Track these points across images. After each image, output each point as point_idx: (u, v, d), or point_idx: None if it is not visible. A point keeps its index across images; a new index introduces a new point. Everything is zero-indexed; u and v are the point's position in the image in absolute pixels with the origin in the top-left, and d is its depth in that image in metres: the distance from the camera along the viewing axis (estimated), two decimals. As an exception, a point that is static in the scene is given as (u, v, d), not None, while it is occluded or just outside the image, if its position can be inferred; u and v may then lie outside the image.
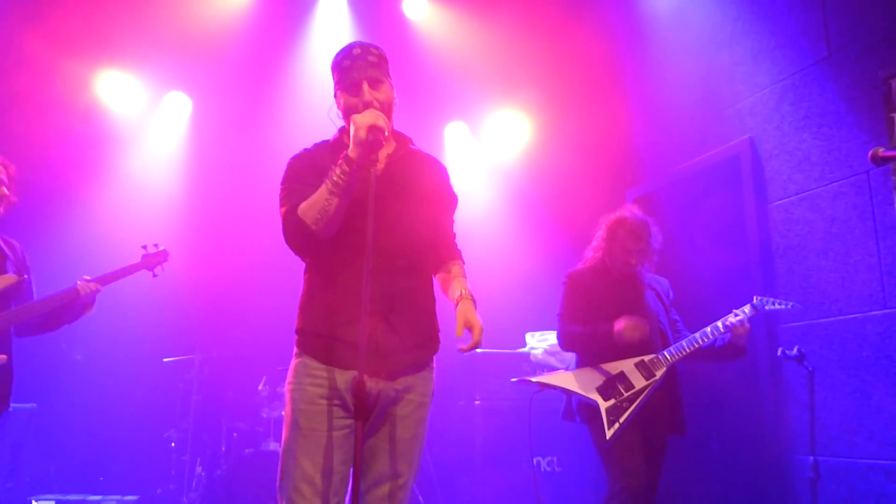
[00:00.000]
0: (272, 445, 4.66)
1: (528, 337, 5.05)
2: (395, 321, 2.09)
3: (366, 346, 1.87)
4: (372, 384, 2.04)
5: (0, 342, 2.83)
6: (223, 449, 4.87)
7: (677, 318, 3.49)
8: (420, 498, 5.05)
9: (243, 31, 5.62)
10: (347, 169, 2.00)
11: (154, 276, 3.43)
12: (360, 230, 1.97)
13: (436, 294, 2.31)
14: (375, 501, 2.05)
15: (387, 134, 2.06)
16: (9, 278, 2.88)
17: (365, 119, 2.02)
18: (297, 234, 2.04)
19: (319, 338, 2.08)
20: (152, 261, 3.41)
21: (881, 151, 1.97)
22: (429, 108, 6.13)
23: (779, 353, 3.75)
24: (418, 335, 2.17)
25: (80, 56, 5.33)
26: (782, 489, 3.72)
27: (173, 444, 5.02)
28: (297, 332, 2.14)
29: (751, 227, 4.05)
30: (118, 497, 4.18)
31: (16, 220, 3.07)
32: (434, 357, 2.25)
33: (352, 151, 2.01)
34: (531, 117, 6.13)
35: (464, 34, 5.82)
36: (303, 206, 2.03)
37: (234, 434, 4.90)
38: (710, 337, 3.21)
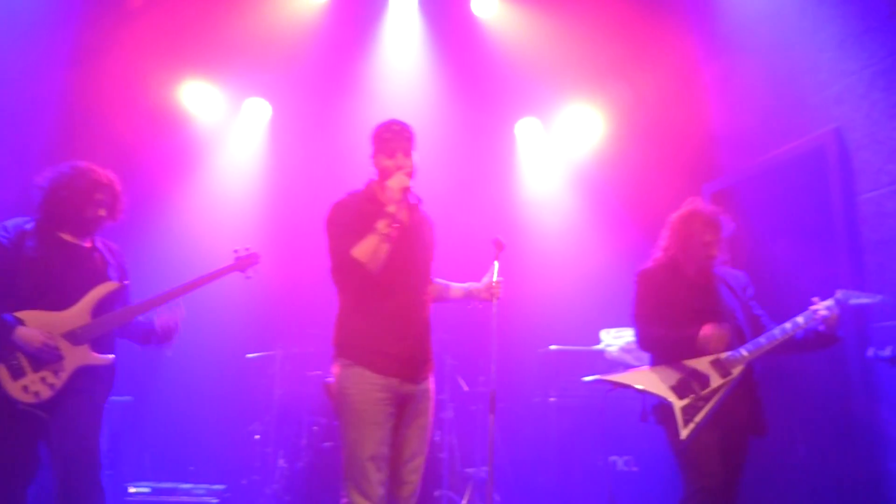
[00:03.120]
0: (347, 440, 4.77)
1: (603, 334, 4.99)
2: (423, 341, 2.82)
3: (406, 359, 2.70)
4: (408, 388, 2.72)
5: (105, 342, 3.02)
6: (304, 442, 5.03)
7: (760, 312, 3.37)
8: (496, 497, 5.08)
9: (317, 35, 5.76)
10: (391, 222, 2.65)
11: (247, 278, 3.45)
12: (394, 270, 2.68)
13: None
14: (413, 470, 2.75)
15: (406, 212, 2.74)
16: (111, 284, 3.04)
17: (399, 183, 2.70)
18: (354, 272, 2.65)
19: (372, 353, 2.68)
20: (245, 263, 3.43)
21: None
22: (500, 106, 6.13)
23: (870, 353, 3.56)
24: (429, 353, 2.85)
25: (165, 67, 5.59)
26: (873, 498, 3.54)
27: (257, 437, 5.22)
28: (347, 346, 2.73)
29: (837, 221, 3.87)
30: (207, 486, 4.39)
31: (111, 225, 3.25)
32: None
33: (391, 209, 2.66)
34: (605, 111, 6.04)
35: (534, 30, 5.79)
36: (356, 250, 2.62)
37: (314, 428, 5.05)
38: (790, 332, 3.09)
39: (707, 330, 3.04)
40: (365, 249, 2.63)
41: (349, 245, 2.64)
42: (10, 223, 3.02)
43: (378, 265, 2.63)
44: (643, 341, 3.30)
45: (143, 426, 5.03)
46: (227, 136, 6.11)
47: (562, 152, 6.29)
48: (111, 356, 3.00)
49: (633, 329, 3.36)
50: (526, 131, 6.35)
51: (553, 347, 4.86)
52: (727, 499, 3.10)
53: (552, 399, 4.72)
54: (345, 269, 2.68)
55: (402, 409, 2.73)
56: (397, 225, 2.67)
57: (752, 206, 4.39)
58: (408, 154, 2.82)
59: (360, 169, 5.77)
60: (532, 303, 5.73)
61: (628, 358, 4.67)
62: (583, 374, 4.53)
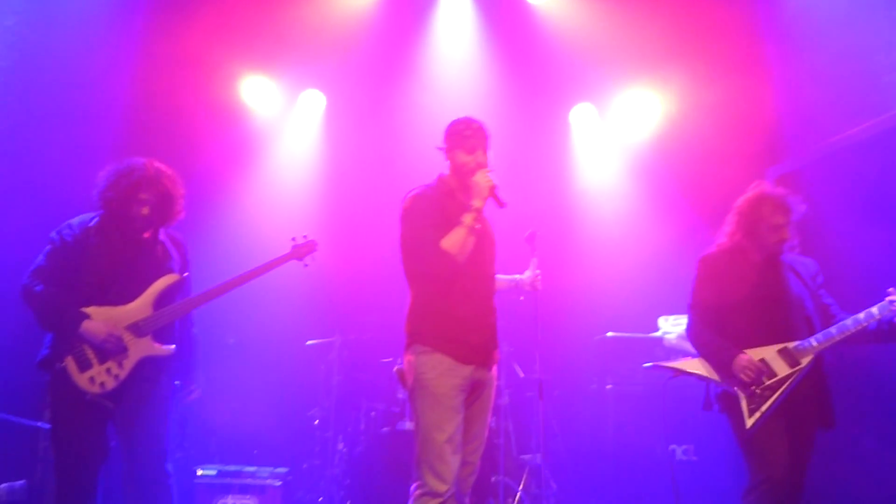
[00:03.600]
0: (408, 425, 4.83)
1: (662, 321, 4.91)
2: (494, 329, 2.93)
3: (481, 346, 2.82)
4: (480, 374, 2.83)
5: (167, 333, 3.11)
6: (362, 427, 5.12)
7: (830, 301, 3.25)
8: (553, 484, 5.07)
9: (370, 25, 5.80)
10: (476, 216, 2.77)
11: (305, 266, 3.48)
12: (471, 261, 2.79)
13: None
14: (474, 451, 2.86)
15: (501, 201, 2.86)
16: (172, 277, 3.12)
17: (486, 181, 2.81)
18: (442, 264, 2.73)
19: (450, 341, 2.77)
20: (302, 251, 3.46)
21: None
22: (554, 93, 6.06)
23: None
24: (497, 339, 2.96)
25: (225, 63, 5.72)
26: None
27: (317, 422, 5.33)
28: (423, 334, 2.80)
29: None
30: (270, 469, 4.51)
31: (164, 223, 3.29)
32: None
33: (477, 203, 2.79)
34: (663, 94, 5.90)
35: (588, 13, 5.70)
36: (446, 242, 2.73)
37: (372, 413, 5.13)
38: (864, 323, 2.98)
39: (743, 360, 3.01)
40: (454, 241, 2.73)
41: (435, 237, 2.74)
42: (76, 220, 3.12)
43: (464, 257, 2.74)
44: (692, 335, 3.25)
45: (209, 411, 5.19)
46: (285, 128, 6.21)
47: (618, 138, 6.19)
48: (172, 346, 3.08)
49: (688, 318, 3.29)
50: (581, 118, 6.26)
51: (610, 335, 4.80)
52: (793, 490, 3.02)
53: (609, 387, 4.67)
54: (431, 260, 2.75)
55: (472, 394, 2.83)
56: (480, 217, 2.80)
57: (820, 190, 4.22)
58: (486, 152, 2.92)
59: (414, 157, 5.82)
60: (589, 290, 5.68)
61: (688, 346, 4.54)
62: (640, 362, 4.45)
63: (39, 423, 3.98)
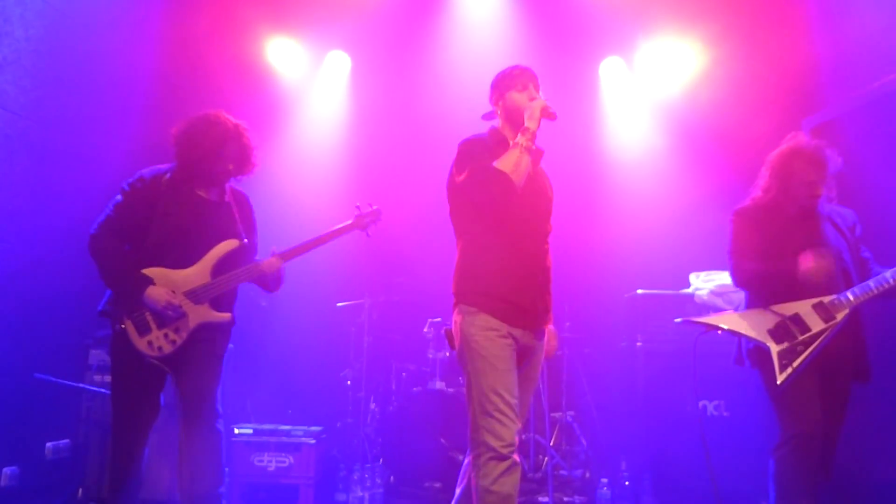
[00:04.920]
0: (438, 384, 4.89)
1: (693, 277, 4.84)
2: (546, 291, 2.77)
3: (530, 308, 2.65)
4: (527, 339, 2.69)
5: (226, 299, 3.13)
6: (394, 387, 5.19)
7: (868, 255, 3.17)
8: (583, 440, 5.11)
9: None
10: (530, 136, 2.63)
11: (367, 236, 3.42)
12: (521, 216, 2.66)
13: None
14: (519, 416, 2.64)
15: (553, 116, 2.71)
16: (232, 243, 3.10)
17: (538, 103, 2.70)
18: (497, 184, 2.55)
19: (498, 300, 2.61)
20: (366, 220, 3.41)
21: None
22: (583, 47, 5.92)
23: None
24: (550, 302, 2.80)
25: (251, 25, 5.70)
26: None
27: (349, 383, 5.42)
28: (469, 293, 2.66)
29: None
30: (305, 427, 4.61)
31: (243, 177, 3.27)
32: None
33: (530, 124, 2.65)
34: (694, 44, 5.72)
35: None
36: (498, 163, 2.58)
37: (403, 374, 5.20)
38: None
39: (807, 262, 2.90)
40: (508, 160, 2.58)
41: (488, 163, 2.60)
42: (149, 172, 3.09)
43: (520, 179, 2.58)
44: (739, 276, 3.15)
45: (245, 372, 5.31)
46: (311, 89, 6.19)
47: (648, 91, 6.04)
48: (228, 315, 3.10)
49: (728, 266, 3.21)
50: (610, 72, 6.12)
51: (640, 292, 4.75)
52: (826, 445, 2.99)
53: (639, 344, 4.65)
54: (485, 183, 2.57)
55: (521, 357, 2.69)
56: (533, 139, 2.65)
57: (859, 140, 4.08)
58: (538, 89, 2.83)
59: (440, 115, 5.75)
60: (619, 247, 5.62)
61: (719, 301, 4.52)
62: (671, 319, 4.42)
63: (83, 385, 4.10)
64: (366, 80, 6.17)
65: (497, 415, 2.49)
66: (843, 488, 3.43)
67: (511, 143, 2.68)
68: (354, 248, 5.68)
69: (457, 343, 2.66)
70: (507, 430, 2.49)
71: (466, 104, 5.69)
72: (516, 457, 2.51)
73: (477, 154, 2.67)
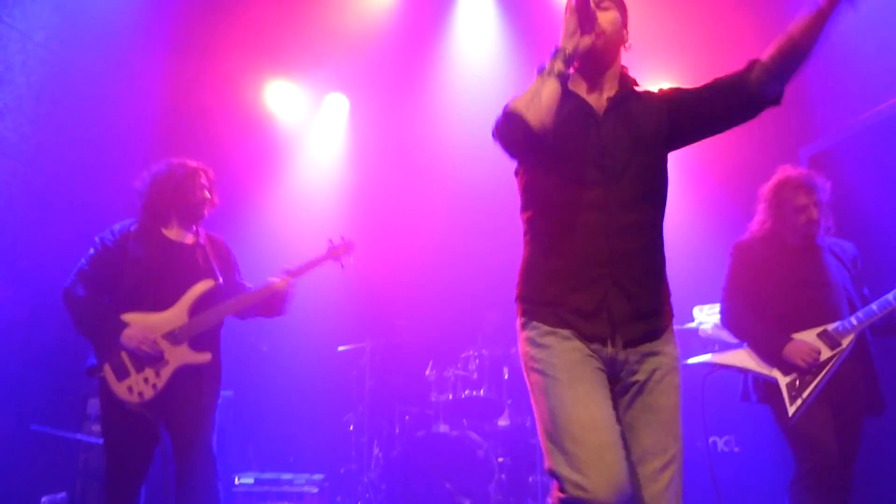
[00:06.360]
0: (442, 428, 4.80)
1: (696, 311, 4.79)
2: (628, 285, 1.91)
3: (595, 314, 1.87)
4: (610, 352, 1.90)
5: (207, 339, 3.09)
6: (397, 431, 5.09)
7: (867, 293, 3.14)
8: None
9: (391, 26, 5.78)
10: (563, 59, 1.89)
11: (342, 267, 3.44)
12: (583, 183, 1.91)
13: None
14: (644, 480, 1.85)
15: (598, 28, 1.94)
16: (208, 283, 3.11)
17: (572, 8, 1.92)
18: (508, 125, 1.87)
19: (545, 306, 1.94)
20: (339, 251, 3.43)
21: None
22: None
23: None
24: (653, 300, 1.96)
25: (250, 69, 5.78)
26: None
27: (352, 427, 5.32)
28: (520, 299, 2.03)
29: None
30: (307, 475, 4.51)
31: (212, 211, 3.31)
32: (671, 323, 2.04)
33: (563, 41, 1.93)
34: (685, 76, 5.78)
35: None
36: (514, 100, 1.89)
37: (406, 417, 5.11)
38: None
39: (798, 346, 2.91)
40: (523, 95, 1.88)
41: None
42: (117, 226, 3.15)
43: (541, 117, 1.84)
44: (728, 319, 3.16)
45: (245, 419, 5.23)
46: (310, 132, 6.25)
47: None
48: (209, 355, 3.06)
49: (720, 302, 3.21)
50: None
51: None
52: (841, 479, 2.91)
53: (646, 381, 4.58)
54: (501, 129, 1.90)
55: (613, 382, 1.93)
56: (569, 62, 1.91)
57: (856, 168, 4.09)
58: (601, 4, 2.03)
59: (439, 156, 5.76)
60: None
61: (724, 335, 4.44)
62: (681, 354, 4.36)
63: (80, 436, 4.03)
64: (364, 122, 6.23)
65: (570, 443, 1.78)
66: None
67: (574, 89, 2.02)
68: (354, 290, 5.66)
69: (523, 362, 2.02)
70: (586, 462, 1.74)
71: (464, 146, 5.76)
72: None
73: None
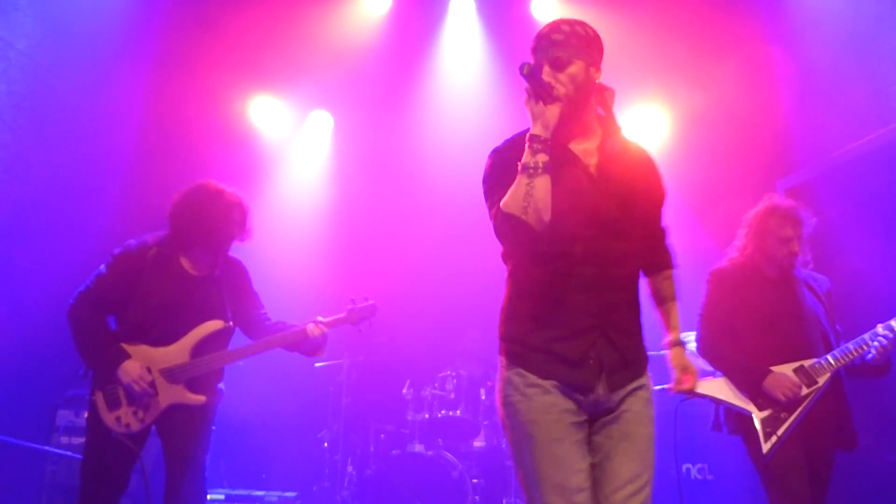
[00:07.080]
0: (417, 447, 4.78)
1: (672, 339, 4.83)
2: (615, 337, 1.96)
3: (580, 363, 1.91)
4: (594, 397, 1.95)
5: (205, 381, 3.02)
6: (372, 449, 5.06)
7: (840, 330, 3.16)
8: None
9: (377, 44, 5.84)
10: (538, 148, 1.88)
11: (359, 331, 3.34)
12: (577, 239, 1.93)
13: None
14: (617, 499, 1.92)
15: (557, 93, 1.93)
16: (216, 323, 3.03)
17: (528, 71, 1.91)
18: (508, 229, 1.88)
19: (531, 352, 1.96)
20: (357, 316, 3.34)
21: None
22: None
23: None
24: (636, 346, 2.04)
25: (234, 85, 5.78)
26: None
27: (326, 445, 5.27)
28: (505, 340, 2.04)
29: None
30: (279, 493, 4.46)
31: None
32: (647, 359, 2.12)
33: (534, 128, 1.91)
34: (668, 109, 5.88)
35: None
36: (504, 200, 1.88)
37: (382, 435, 5.08)
38: (886, 340, 2.89)
39: (777, 379, 2.90)
40: (511, 196, 1.86)
41: (497, 200, 1.91)
42: (135, 244, 3.04)
43: (540, 216, 1.84)
44: (704, 347, 3.12)
45: (217, 434, 5.16)
46: (293, 149, 6.25)
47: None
48: (202, 398, 2.99)
49: (696, 329, 3.17)
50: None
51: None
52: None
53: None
54: (500, 231, 1.92)
55: (593, 419, 1.98)
56: (546, 147, 1.88)
57: (831, 202, 4.17)
58: (558, 65, 1.99)
59: (422, 175, 5.78)
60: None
61: (700, 362, 4.49)
62: (653, 380, 4.39)
63: (48, 447, 3.96)
64: (348, 140, 6.24)
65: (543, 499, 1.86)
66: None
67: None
68: (333, 308, 5.63)
69: (498, 405, 2.05)
70: None
71: (447, 164, 5.78)
72: None
73: (491, 182, 2.02)
